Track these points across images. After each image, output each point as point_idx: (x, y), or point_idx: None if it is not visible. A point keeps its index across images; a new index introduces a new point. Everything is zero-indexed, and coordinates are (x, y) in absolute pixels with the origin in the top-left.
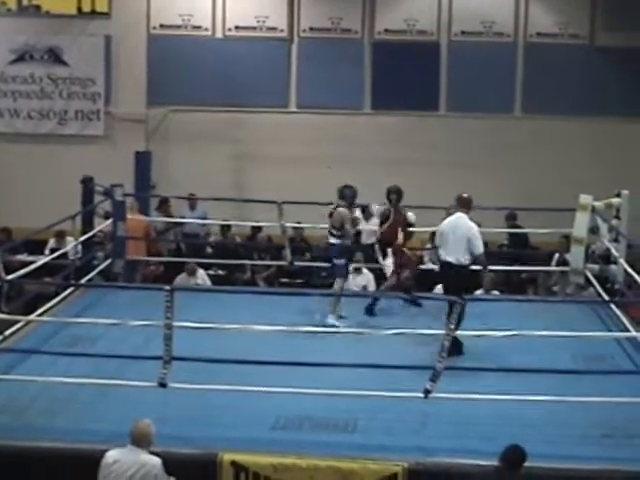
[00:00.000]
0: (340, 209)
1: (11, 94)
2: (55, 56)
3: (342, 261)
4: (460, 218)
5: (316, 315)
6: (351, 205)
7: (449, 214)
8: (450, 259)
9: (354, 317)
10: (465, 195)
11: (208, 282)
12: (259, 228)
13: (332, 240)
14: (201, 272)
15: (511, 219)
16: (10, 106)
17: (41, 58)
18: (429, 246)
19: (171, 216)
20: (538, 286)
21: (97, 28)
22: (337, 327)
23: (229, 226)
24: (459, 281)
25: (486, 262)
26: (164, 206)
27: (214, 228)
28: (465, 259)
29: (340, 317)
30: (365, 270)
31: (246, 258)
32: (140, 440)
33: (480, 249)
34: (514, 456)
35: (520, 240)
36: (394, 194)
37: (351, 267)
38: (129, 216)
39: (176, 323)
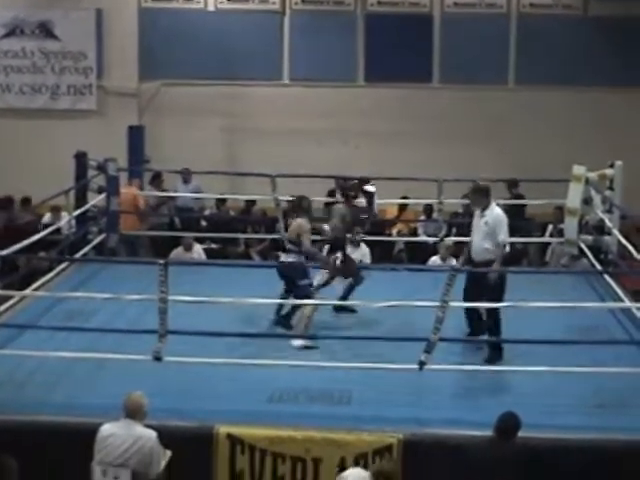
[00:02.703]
0: (299, 219)
1: (3, 69)
2: (46, 30)
3: (306, 281)
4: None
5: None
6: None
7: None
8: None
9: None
10: (485, 184)
11: (204, 257)
12: (253, 202)
13: (288, 258)
14: (197, 247)
15: (513, 187)
16: (2, 81)
17: (32, 32)
18: (423, 218)
19: (164, 190)
20: (531, 257)
21: (88, 2)
22: (312, 348)
23: (224, 200)
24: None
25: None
26: (157, 180)
27: (208, 202)
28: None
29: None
30: (362, 244)
31: (240, 232)
32: (134, 412)
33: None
34: (507, 425)
35: (517, 210)
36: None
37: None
38: (123, 190)
39: (171, 297)
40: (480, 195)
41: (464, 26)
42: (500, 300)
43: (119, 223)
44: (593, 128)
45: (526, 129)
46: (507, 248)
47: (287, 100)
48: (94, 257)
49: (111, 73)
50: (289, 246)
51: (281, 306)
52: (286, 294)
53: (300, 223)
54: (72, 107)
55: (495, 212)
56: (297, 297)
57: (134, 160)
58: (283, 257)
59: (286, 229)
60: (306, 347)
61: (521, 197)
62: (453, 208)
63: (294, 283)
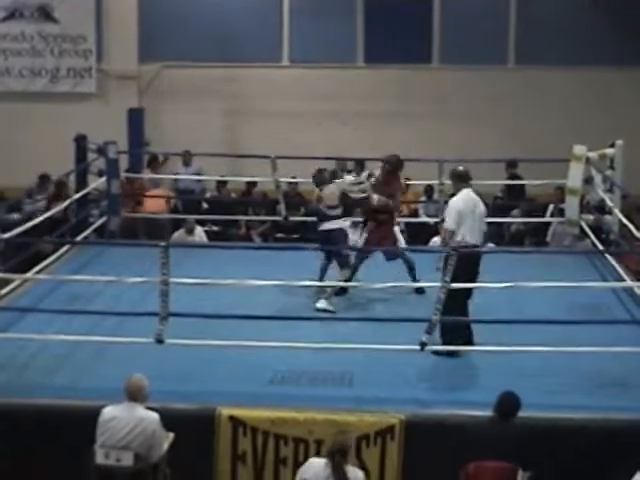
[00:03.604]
0: (331, 185)
1: (2, 52)
2: (45, 13)
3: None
4: (474, 195)
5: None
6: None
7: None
8: (476, 241)
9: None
10: (461, 168)
11: (206, 240)
12: (254, 183)
13: (330, 225)
14: (199, 230)
15: (511, 167)
16: (1, 64)
17: (31, 15)
18: (423, 199)
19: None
20: (532, 237)
21: None
22: (332, 312)
23: (225, 182)
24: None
25: None
26: (154, 163)
27: (210, 184)
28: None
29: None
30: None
31: (241, 214)
32: (135, 394)
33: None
34: (507, 406)
35: (517, 191)
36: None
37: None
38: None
39: (172, 279)
40: (453, 180)
41: (464, 6)
42: (459, 289)
43: (120, 205)
44: (594, 107)
45: (526, 109)
46: (459, 237)
47: (287, 82)
48: (96, 240)
49: (111, 56)
50: (329, 212)
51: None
52: (326, 262)
53: (337, 184)
54: (72, 90)
55: (453, 199)
56: (339, 265)
57: (134, 143)
58: (324, 225)
59: (287, 209)
60: (326, 310)
61: (518, 177)
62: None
63: (337, 250)
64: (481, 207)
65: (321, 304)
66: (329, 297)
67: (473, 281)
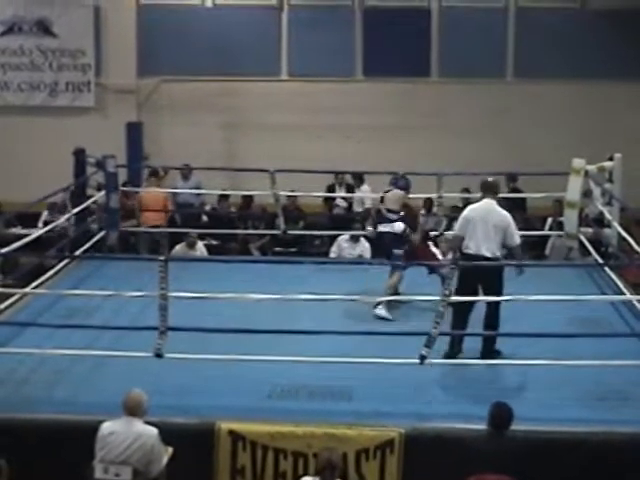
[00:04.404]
0: (398, 191)
1: (1, 67)
2: (44, 28)
3: (400, 250)
4: (491, 205)
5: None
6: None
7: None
8: (485, 252)
9: (347, 286)
10: (491, 179)
11: (207, 255)
12: (251, 197)
13: (387, 227)
14: (200, 244)
15: (512, 181)
16: (0, 79)
17: (30, 30)
18: (423, 212)
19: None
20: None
21: None
22: (389, 319)
23: (227, 196)
24: (497, 276)
25: (522, 254)
26: (153, 177)
27: (210, 198)
28: (499, 251)
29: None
30: (362, 239)
31: (240, 228)
32: (134, 409)
33: (518, 240)
34: (499, 417)
35: (517, 205)
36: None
37: (347, 236)
38: (150, 188)
39: (171, 293)
40: (482, 190)
41: (462, 20)
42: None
43: (119, 220)
44: (592, 121)
45: (525, 122)
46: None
47: (286, 95)
48: (95, 254)
49: (109, 70)
50: (389, 215)
51: None
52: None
53: (402, 194)
54: (70, 104)
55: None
56: (391, 267)
57: (133, 157)
58: (381, 227)
59: (286, 222)
60: (384, 318)
61: (518, 191)
62: (453, 202)
63: (390, 252)
64: (496, 218)
65: (379, 311)
66: (386, 303)
67: (475, 292)
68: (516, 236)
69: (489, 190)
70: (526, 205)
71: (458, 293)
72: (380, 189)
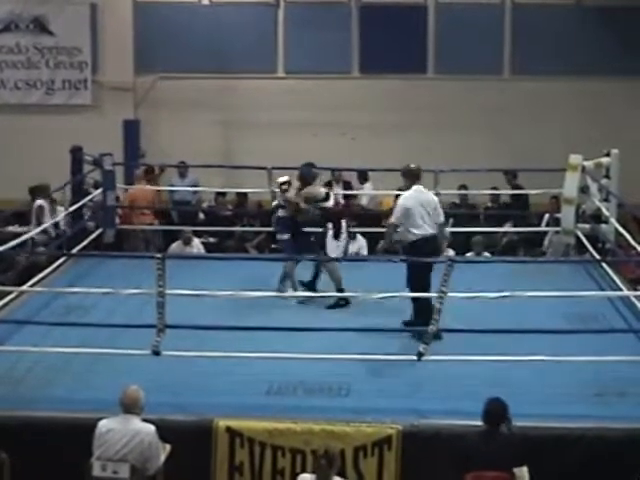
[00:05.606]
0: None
1: None
2: (41, 25)
3: (284, 236)
4: (421, 191)
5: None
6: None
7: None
8: (431, 231)
9: (346, 283)
10: (413, 166)
11: (203, 251)
12: (245, 195)
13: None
14: (196, 241)
15: (513, 178)
16: None
17: (27, 28)
18: None
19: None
20: (527, 247)
21: None
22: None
23: (224, 194)
24: (436, 251)
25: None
26: (149, 175)
27: (206, 195)
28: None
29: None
30: (359, 236)
31: (236, 225)
32: (131, 406)
33: (443, 217)
34: (494, 415)
35: (520, 201)
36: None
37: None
38: (139, 186)
39: (168, 291)
40: (403, 177)
41: (459, 16)
42: (416, 284)
43: (116, 218)
44: (589, 117)
45: (522, 119)
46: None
47: (282, 93)
48: (91, 252)
49: (106, 67)
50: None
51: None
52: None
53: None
54: (67, 102)
55: (403, 195)
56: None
57: (130, 154)
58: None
59: None
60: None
61: (520, 188)
62: (450, 199)
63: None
64: (430, 200)
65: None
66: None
67: (429, 268)
68: (442, 214)
69: (416, 177)
70: (529, 202)
71: (415, 278)
72: (377, 186)
